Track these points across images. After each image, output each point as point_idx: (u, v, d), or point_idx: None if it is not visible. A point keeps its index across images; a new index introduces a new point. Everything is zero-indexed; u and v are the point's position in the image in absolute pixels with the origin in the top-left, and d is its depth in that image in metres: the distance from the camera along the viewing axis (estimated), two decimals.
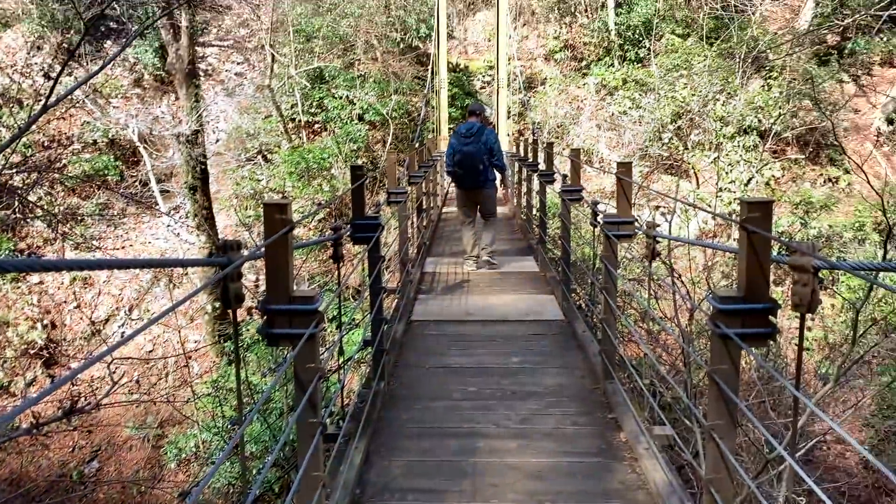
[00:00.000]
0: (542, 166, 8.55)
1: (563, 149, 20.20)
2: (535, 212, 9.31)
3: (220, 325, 16.07)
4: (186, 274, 17.65)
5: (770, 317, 2.23)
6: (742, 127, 18.29)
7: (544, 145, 8.09)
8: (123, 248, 19.30)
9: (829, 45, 23.12)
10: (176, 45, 13.64)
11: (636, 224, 4.09)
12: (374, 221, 4.28)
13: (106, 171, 18.81)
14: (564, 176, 6.65)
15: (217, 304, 15.91)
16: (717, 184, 18.53)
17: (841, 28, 22.64)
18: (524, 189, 10.35)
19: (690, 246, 16.75)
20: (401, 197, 6.19)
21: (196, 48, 25.19)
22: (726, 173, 17.35)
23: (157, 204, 17.41)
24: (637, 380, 4.04)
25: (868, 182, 9.55)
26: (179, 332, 16.34)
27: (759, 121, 18.65)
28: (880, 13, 22.17)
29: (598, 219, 4.45)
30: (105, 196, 19.45)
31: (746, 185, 17.65)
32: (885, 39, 23.03)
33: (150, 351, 17.85)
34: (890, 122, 21.46)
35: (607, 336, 3.94)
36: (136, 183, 19.56)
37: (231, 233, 19.16)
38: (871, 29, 23.15)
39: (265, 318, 2.35)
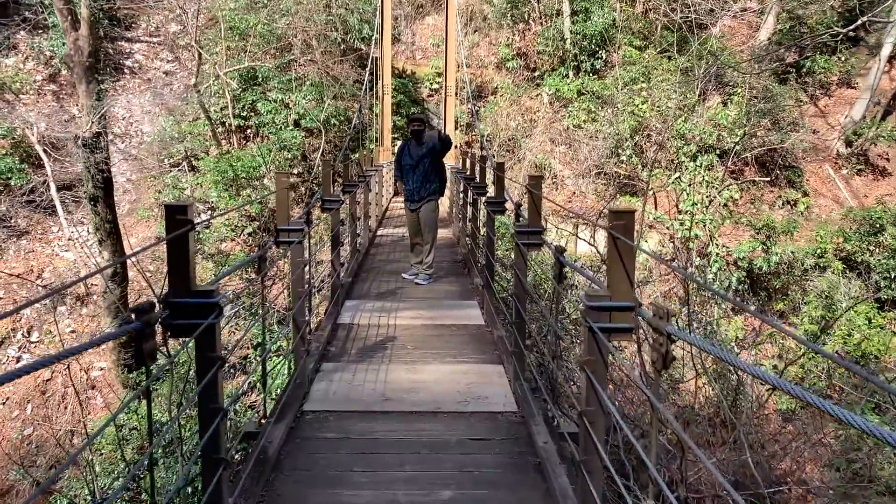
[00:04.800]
0: (489, 190, 7.14)
1: (515, 163, 18.87)
2: (480, 242, 7.86)
3: (125, 352, 14.21)
4: (90, 293, 15.71)
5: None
6: (706, 145, 17.26)
7: (493, 164, 6.66)
8: (27, 259, 17.22)
9: (787, 63, 22.45)
10: (74, 34, 11.80)
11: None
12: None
13: (9, 176, 16.69)
14: (518, 207, 5.21)
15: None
16: (677, 206, 17.45)
17: (799, 47, 21.99)
18: (469, 213, 8.92)
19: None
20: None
21: (121, 42, 23.26)
22: (687, 195, 16.25)
23: (59, 214, 15.41)
24: None
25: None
26: (71, 365, 14.39)
27: (719, 139, 17.67)
28: (839, 31, 21.60)
29: (566, 271, 3.43)
30: (6, 203, 17.32)
31: (707, 207, 16.60)
32: (842, 59, 22.48)
33: (49, 380, 15.86)
34: (849, 143, 20.81)
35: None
36: (45, 190, 17.50)
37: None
38: (828, 48, 22.59)
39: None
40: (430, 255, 7.54)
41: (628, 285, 2.46)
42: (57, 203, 14.94)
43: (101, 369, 15.86)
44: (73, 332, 16.59)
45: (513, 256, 5.71)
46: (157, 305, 2.32)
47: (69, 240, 15.26)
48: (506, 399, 4.10)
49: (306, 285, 4.33)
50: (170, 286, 2.44)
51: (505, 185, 5.87)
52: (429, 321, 5.90)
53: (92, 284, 15.95)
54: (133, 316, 2.10)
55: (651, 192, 15.47)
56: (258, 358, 12.74)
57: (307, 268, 4.41)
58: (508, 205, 5.77)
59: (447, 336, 5.51)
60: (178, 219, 2.34)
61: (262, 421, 3.75)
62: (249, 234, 17.57)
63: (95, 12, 16.37)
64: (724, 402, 8.18)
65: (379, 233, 11.47)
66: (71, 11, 11.76)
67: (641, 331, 5.28)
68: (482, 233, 7.80)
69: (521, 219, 5.30)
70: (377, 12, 18.51)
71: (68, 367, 15.22)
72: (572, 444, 3.39)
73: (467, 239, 8.72)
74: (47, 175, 15.64)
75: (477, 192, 7.60)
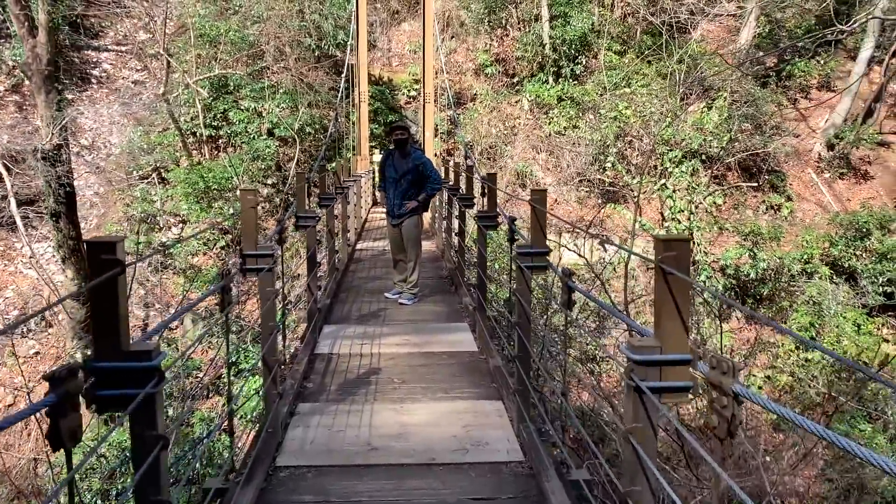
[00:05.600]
0: (478, 205, 6.66)
1: (496, 171, 18.43)
2: (467, 257, 7.36)
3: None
4: (55, 312, 14.96)
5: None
6: (688, 151, 16.93)
7: (481, 174, 6.17)
8: None
9: (766, 66, 22.30)
10: (32, 41, 11.15)
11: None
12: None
13: None
14: (513, 222, 4.72)
15: (89, 352, 13.35)
16: (661, 212, 17.11)
17: (778, 50, 21.85)
18: (454, 225, 8.43)
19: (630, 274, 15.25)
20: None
21: (88, 52, 22.49)
22: (673, 201, 15.89)
23: (20, 231, 14.66)
24: None
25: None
26: (35, 388, 13.64)
27: (702, 144, 17.36)
28: (815, 35, 21.52)
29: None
30: None
31: (692, 213, 16.27)
32: (821, 63, 22.38)
33: (11, 405, 15.14)
34: (830, 147, 20.65)
35: None
36: (6, 206, 16.71)
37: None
38: (807, 51, 22.50)
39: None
40: (415, 273, 7.02)
41: (682, 332, 1.95)
42: (17, 219, 14.21)
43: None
44: (37, 353, 15.84)
45: (507, 275, 5.23)
46: (80, 371, 1.79)
47: (30, 258, 14.52)
48: (510, 445, 3.58)
49: (279, 316, 3.80)
50: (94, 346, 1.91)
51: (496, 197, 5.38)
52: (416, 348, 5.37)
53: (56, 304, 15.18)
54: (48, 385, 1.66)
55: (638, 200, 15.08)
56: (233, 378, 12.13)
57: (278, 298, 3.87)
58: (500, 220, 5.27)
59: (437, 366, 4.98)
60: (103, 259, 1.81)
61: (230, 476, 3.22)
62: (222, 248, 16.93)
63: (55, 18, 15.66)
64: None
65: (358, 246, 10.92)
66: (28, 17, 11.12)
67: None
68: (469, 246, 7.31)
69: (515, 234, 4.82)
70: (352, 18, 18.00)
71: (28, 394, 14.56)
72: (591, 497, 2.90)
73: (453, 253, 8.22)
74: (7, 190, 14.89)
75: (464, 204, 7.09)
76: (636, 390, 1.95)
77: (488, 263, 6.02)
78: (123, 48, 22.94)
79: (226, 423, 3.37)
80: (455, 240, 8.03)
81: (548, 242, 3.73)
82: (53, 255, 16.07)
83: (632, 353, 1.96)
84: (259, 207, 18.03)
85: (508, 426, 3.82)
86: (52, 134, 11.49)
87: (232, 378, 12.13)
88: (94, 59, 22.49)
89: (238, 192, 17.38)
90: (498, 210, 5.30)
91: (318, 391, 4.44)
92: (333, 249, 7.53)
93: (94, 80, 21.86)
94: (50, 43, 11.40)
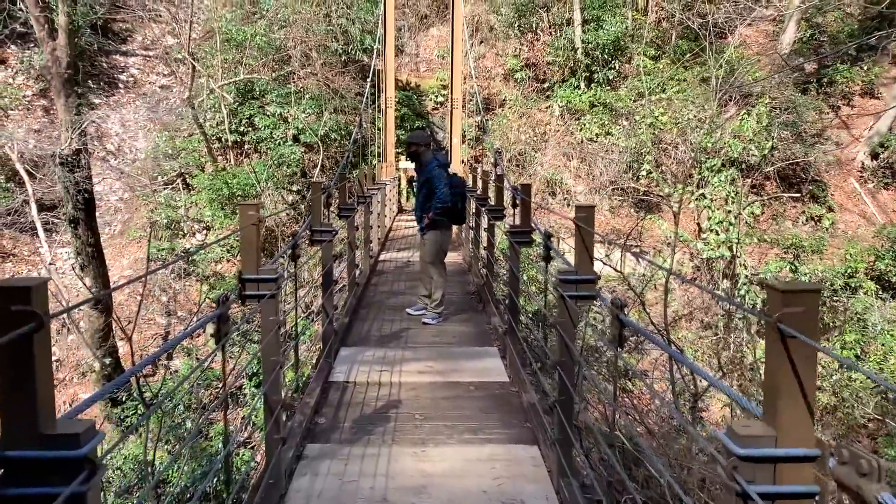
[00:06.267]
0: (508, 215, 6.17)
1: (526, 179, 17.88)
2: (496, 271, 6.86)
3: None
4: (66, 324, 14.72)
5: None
6: (727, 159, 16.25)
7: (514, 188, 5.68)
8: None
9: (807, 73, 21.49)
10: (52, 43, 10.90)
11: None
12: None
13: None
14: (549, 238, 4.22)
15: (108, 361, 13.07)
16: (698, 223, 16.43)
17: (819, 56, 21.05)
18: (483, 238, 7.93)
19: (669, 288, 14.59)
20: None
21: (116, 56, 22.42)
22: (712, 211, 15.22)
23: (40, 236, 14.48)
24: None
25: None
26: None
27: (745, 152, 16.64)
28: (860, 41, 20.69)
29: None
30: None
31: (732, 224, 15.56)
32: (864, 68, 21.50)
33: None
34: (875, 156, 19.79)
35: None
36: (28, 209, 16.58)
37: (140, 269, 16.36)
38: (849, 56, 21.64)
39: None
40: (437, 293, 6.57)
41: (807, 417, 1.46)
42: (38, 224, 14.02)
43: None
44: (57, 360, 15.63)
45: (535, 286, 4.73)
46: None
47: (50, 264, 14.31)
48: None
49: (283, 350, 3.34)
50: (3, 428, 1.44)
51: (531, 210, 4.88)
52: (440, 377, 4.86)
53: (78, 311, 15.01)
54: None
55: (677, 211, 14.44)
56: (253, 390, 11.72)
57: (283, 329, 3.41)
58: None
59: (464, 399, 4.48)
60: (13, 312, 1.32)
61: None
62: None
63: (76, 20, 15.47)
64: None
65: (382, 257, 10.45)
66: (48, 19, 10.87)
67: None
68: (499, 260, 6.82)
69: (550, 252, 4.32)
70: (380, 23, 17.64)
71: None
72: None
73: (481, 267, 7.72)
74: (28, 195, 14.72)
75: (494, 216, 6.59)
76: (741, 496, 1.43)
77: (524, 286, 5.54)
78: (151, 53, 22.87)
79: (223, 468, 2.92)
80: (483, 252, 7.54)
81: (570, 248, 3.23)
82: (65, 265, 15.90)
83: (735, 446, 1.45)
84: (284, 214, 17.60)
85: (546, 479, 3.31)
86: (71, 138, 11.23)
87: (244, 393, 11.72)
88: (122, 64, 22.44)
89: (265, 196, 17.04)
90: (533, 224, 4.80)
91: (330, 428, 3.96)
92: (353, 263, 7.07)
93: (121, 85, 21.79)
94: (70, 46, 11.14)
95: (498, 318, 6.20)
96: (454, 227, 8.12)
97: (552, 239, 4.51)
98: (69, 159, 11.24)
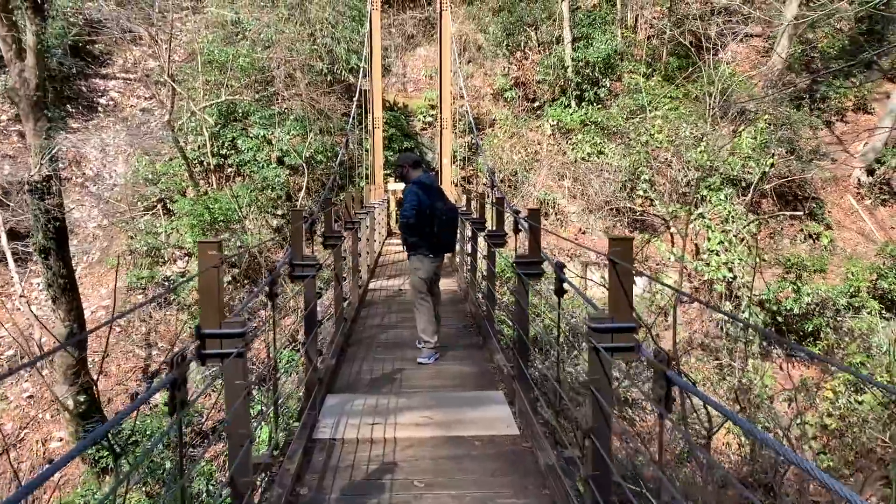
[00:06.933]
0: (508, 239, 5.61)
1: (519, 200, 17.38)
2: (497, 302, 6.29)
3: (85, 424, 12.50)
4: (47, 357, 14.00)
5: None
6: (726, 177, 15.82)
7: (516, 212, 5.12)
8: None
9: (800, 89, 21.23)
10: (19, 64, 10.31)
11: None
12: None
13: None
14: (561, 269, 3.66)
15: (81, 399, 12.34)
16: (696, 244, 15.94)
17: (816, 75, 20.81)
18: (479, 264, 7.37)
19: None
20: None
21: (95, 80, 21.84)
22: (711, 231, 14.76)
23: (10, 267, 13.80)
24: None
25: None
26: (27, 437, 12.71)
27: (744, 169, 16.21)
28: (852, 58, 20.52)
29: None
30: None
31: (730, 244, 15.08)
32: (857, 84, 21.29)
33: (1, 454, 14.16)
34: (870, 172, 19.48)
35: None
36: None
37: (119, 298, 15.65)
38: (841, 72, 21.43)
39: None
40: (419, 323, 6.09)
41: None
42: (7, 254, 13.34)
43: (61, 440, 14.25)
44: (30, 397, 14.93)
45: (559, 340, 4.16)
46: None
47: (21, 296, 13.63)
48: None
49: (252, 422, 2.76)
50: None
51: (540, 238, 4.32)
52: (441, 430, 4.26)
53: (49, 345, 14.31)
54: None
55: (682, 232, 13.96)
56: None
57: (254, 391, 2.83)
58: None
59: (469, 459, 3.86)
60: None
61: None
62: (228, 283, 15.98)
63: (45, 41, 14.91)
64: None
65: (371, 286, 9.84)
66: (15, 39, 10.28)
67: None
68: (499, 288, 6.25)
69: (563, 284, 3.76)
70: (366, 42, 17.18)
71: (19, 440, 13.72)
72: None
73: (480, 297, 7.14)
74: None
75: (494, 242, 6.04)
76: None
77: (534, 323, 4.96)
78: (132, 76, 22.34)
79: None
80: (482, 281, 6.96)
81: (573, 275, 2.69)
82: (47, 293, 15.19)
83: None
84: (270, 241, 16.97)
85: None
86: (41, 164, 10.60)
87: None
88: (102, 88, 21.88)
89: (249, 221, 16.42)
90: (543, 255, 4.25)
91: (314, 502, 3.35)
92: (341, 297, 6.46)
93: (100, 109, 21.22)
94: (39, 67, 10.56)
95: (501, 355, 5.62)
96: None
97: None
98: (39, 186, 10.60)
